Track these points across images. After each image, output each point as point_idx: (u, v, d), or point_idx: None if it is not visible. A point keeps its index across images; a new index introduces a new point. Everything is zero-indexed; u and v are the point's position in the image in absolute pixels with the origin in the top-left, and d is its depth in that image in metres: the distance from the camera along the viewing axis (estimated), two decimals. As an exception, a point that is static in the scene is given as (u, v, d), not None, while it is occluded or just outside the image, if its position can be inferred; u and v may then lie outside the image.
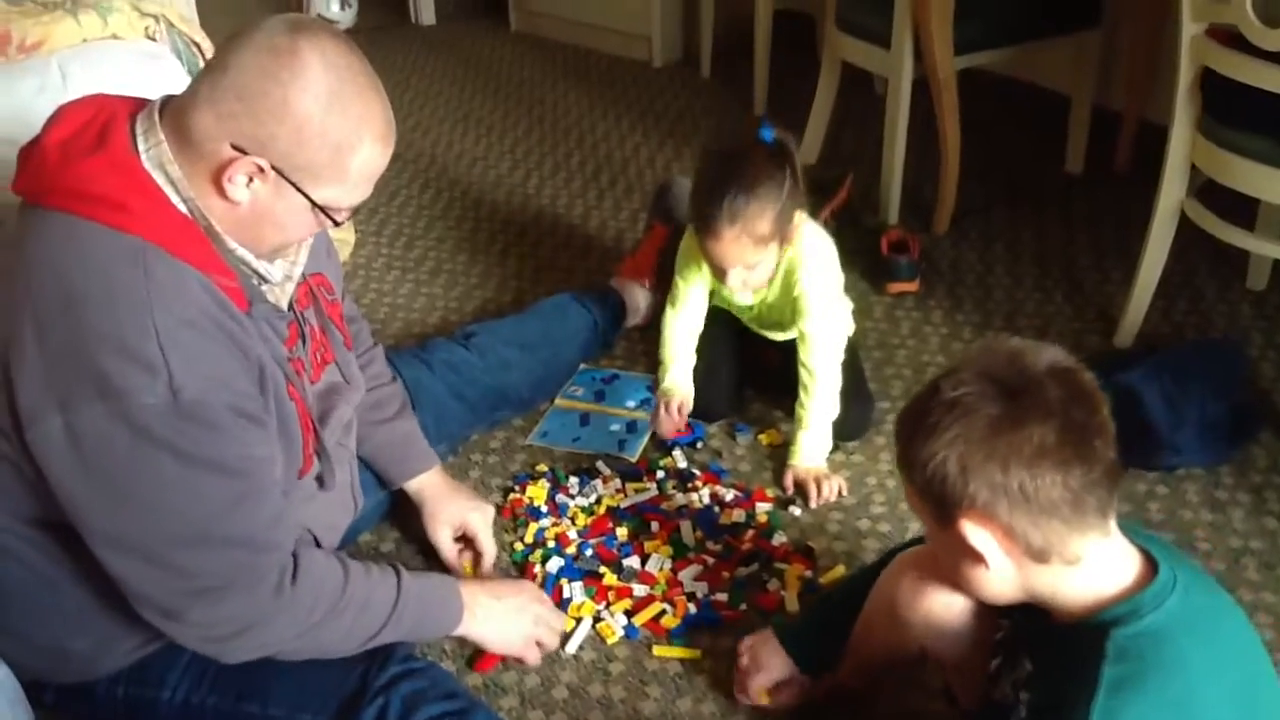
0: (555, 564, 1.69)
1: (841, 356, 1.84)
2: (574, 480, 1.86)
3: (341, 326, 1.47)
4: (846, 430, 1.88)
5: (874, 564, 1.39)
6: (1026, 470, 0.98)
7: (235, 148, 1.12)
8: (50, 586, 1.26)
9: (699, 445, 1.94)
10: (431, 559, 1.69)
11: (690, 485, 1.84)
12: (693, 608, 1.61)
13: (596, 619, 1.60)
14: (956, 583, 1.12)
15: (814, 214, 2.09)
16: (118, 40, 1.89)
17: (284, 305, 1.30)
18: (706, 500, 1.81)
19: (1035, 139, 2.99)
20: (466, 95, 3.61)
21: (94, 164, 1.13)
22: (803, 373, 1.83)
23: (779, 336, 1.95)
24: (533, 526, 1.76)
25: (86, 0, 1.91)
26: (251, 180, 1.15)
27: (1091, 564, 1.03)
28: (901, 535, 1.74)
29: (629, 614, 1.61)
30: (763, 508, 1.80)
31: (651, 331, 2.10)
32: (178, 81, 1.77)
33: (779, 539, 1.73)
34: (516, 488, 1.86)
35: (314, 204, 1.18)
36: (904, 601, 1.24)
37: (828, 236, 1.84)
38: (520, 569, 1.70)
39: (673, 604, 1.62)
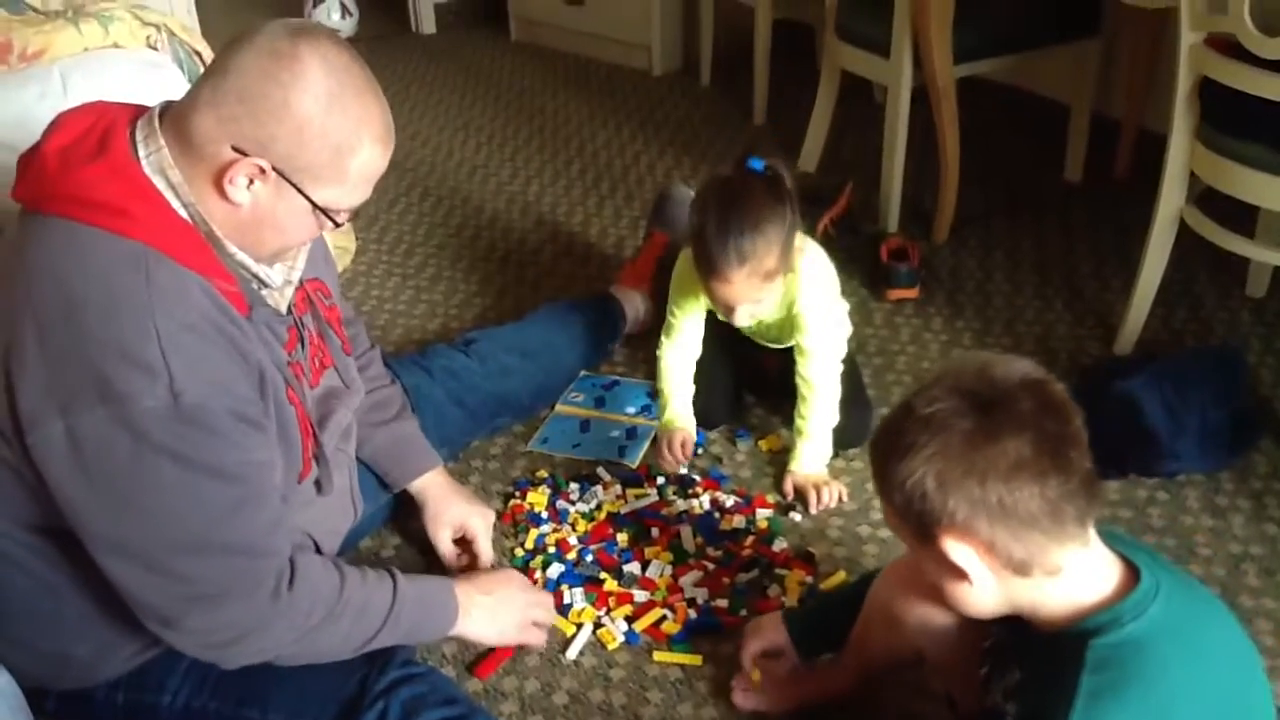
0: (556, 570, 1.69)
1: (840, 368, 1.84)
2: (574, 486, 1.86)
3: (340, 331, 1.47)
4: (846, 437, 1.88)
5: (880, 568, 1.40)
6: (1004, 484, 0.98)
7: (236, 150, 1.13)
8: (51, 593, 1.26)
9: (699, 451, 1.94)
10: (432, 566, 1.69)
11: (691, 491, 1.85)
12: (693, 613, 1.61)
13: (597, 625, 1.60)
14: (941, 597, 1.11)
15: (813, 222, 2.10)
16: (119, 49, 1.90)
17: (283, 309, 1.30)
18: (707, 506, 1.81)
19: (1035, 147, 3.00)
20: (467, 104, 3.62)
21: (94, 170, 1.14)
22: (801, 385, 1.82)
23: (777, 345, 1.95)
24: (533, 532, 1.76)
25: (88, 9, 1.92)
26: (252, 182, 1.15)
27: (1072, 574, 1.03)
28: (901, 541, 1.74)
29: (630, 620, 1.61)
30: (763, 513, 1.80)
31: (652, 338, 2.10)
32: (179, 90, 1.77)
33: (779, 545, 1.73)
34: (517, 493, 1.86)
35: (314, 205, 1.18)
36: (898, 605, 1.25)
37: (824, 253, 1.82)
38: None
39: (673, 610, 1.62)
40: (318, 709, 1.31)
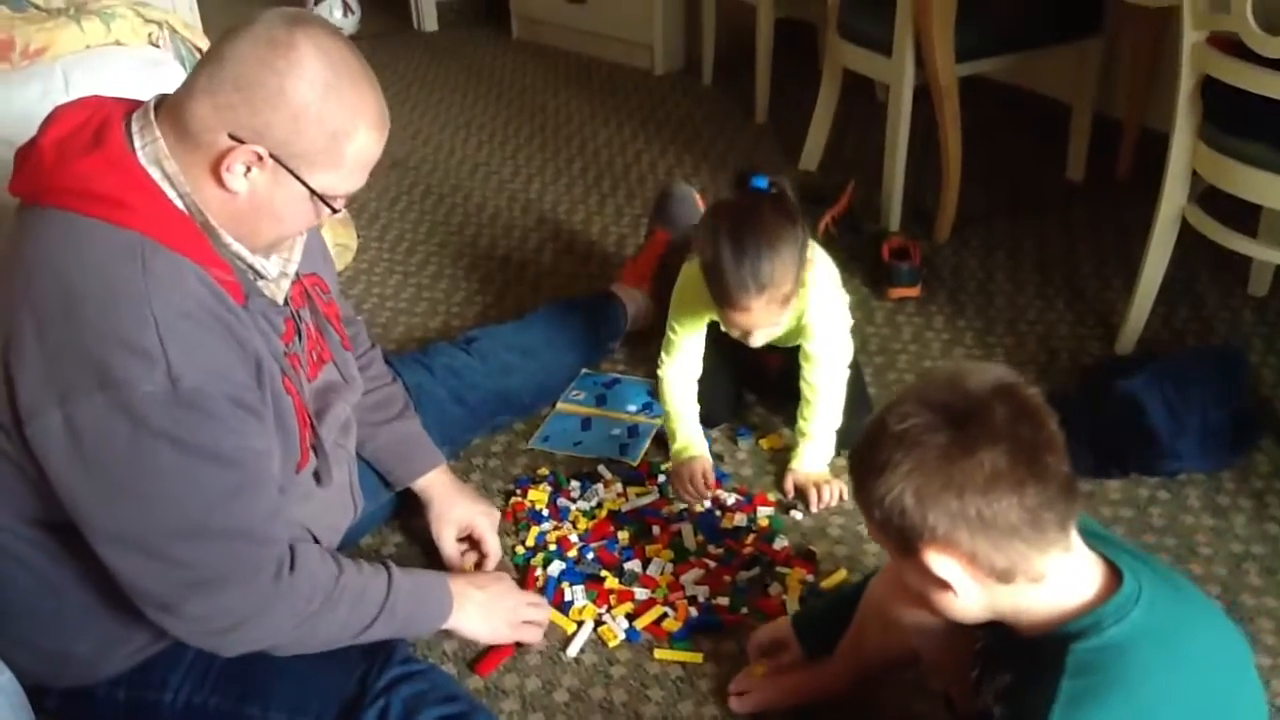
0: (557, 567, 1.69)
1: (846, 374, 1.83)
2: (575, 484, 1.86)
3: (338, 326, 1.47)
4: (847, 438, 1.88)
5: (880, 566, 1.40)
6: (982, 496, 0.97)
7: (233, 137, 1.14)
8: (53, 589, 1.26)
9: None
10: (433, 564, 1.68)
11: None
12: (694, 611, 1.61)
13: (598, 622, 1.60)
14: (926, 606, 1.11)
15: (815, 221, 2.09)
16: (121, 46, 1.90)
17: (280, 301, 1.30)
18: (708, 504, 1.81)
19: (1036, 146, 3.00)
20: (469, 102, 3.62)
21: (90, 162, 1.14)
22: (806, 389, 1.82)
23: (780, 345, 1.95)
24: (534, 530, 1.76)
25: (90, 7, 1.92)
26: (250, 170, 1.16)
27: (1055, 579, 1.03)
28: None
29: (630, 617, 1.61)
30: (764, 512, 1.80)
31: (653, 337, 2.10)
32: (181, 87, 1.78)
33: (780, 543, 1.73)
34: (518, 491, 1.86)
35: (312, 191, 1.19)
36: (892, 607, 1.25)
37: (829, 260, 1.80)
38: (522, 572, 1.70)
39: (674, 608, 1.62)
40: (319, 706, 1.31)
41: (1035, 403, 1.02)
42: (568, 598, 1.64)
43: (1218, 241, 1.97)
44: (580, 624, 1.60)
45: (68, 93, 1.76)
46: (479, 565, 1.67)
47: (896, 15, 2.44)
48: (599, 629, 1.59)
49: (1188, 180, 1.97)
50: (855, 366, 1.91)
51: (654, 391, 1.99)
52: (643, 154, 3.16)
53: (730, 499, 1.82)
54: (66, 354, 1.10)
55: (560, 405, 2.07)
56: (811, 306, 1.75)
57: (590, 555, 1.72)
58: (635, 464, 1.92)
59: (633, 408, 2.05)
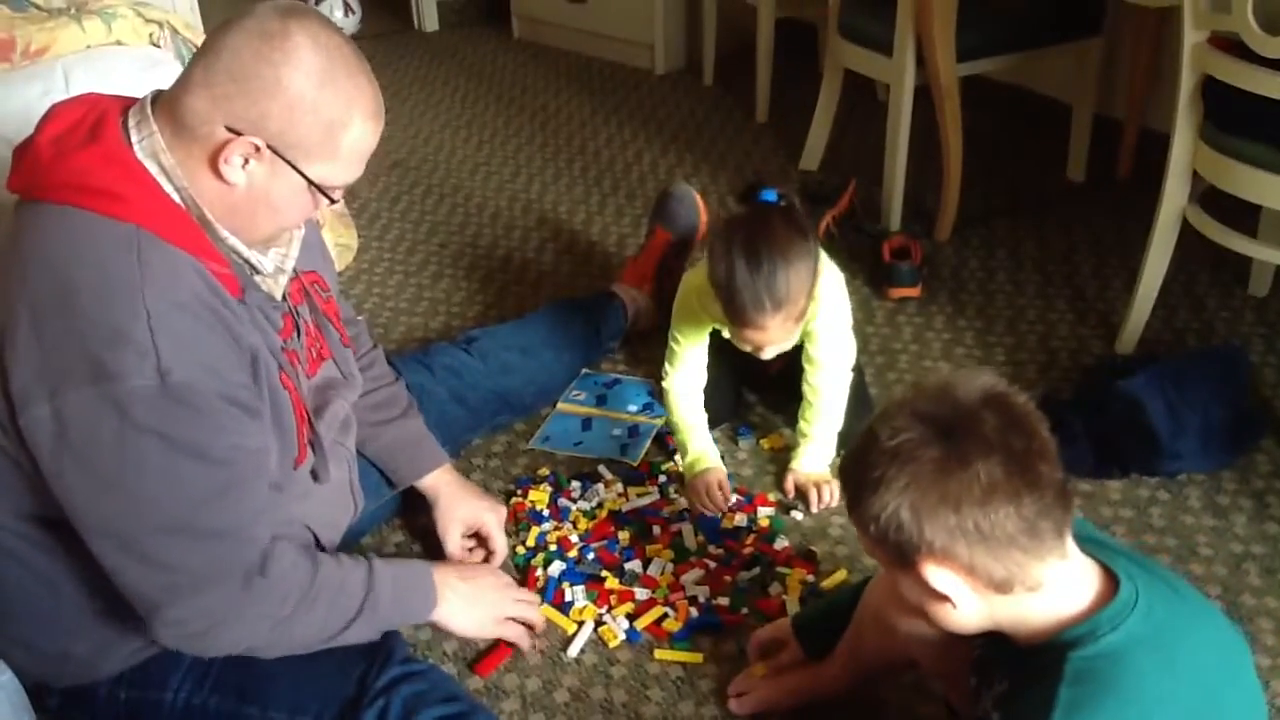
0: (557, 568, 1.69)
1: (850, 377, 1.83)
2: (576, 484, 1.86)
3: (337, 324, 1.47)
4: (848, 439, 1.88)
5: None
6: (979, 509, 0.97)
7: (230, 130, 1.14)
8: (51, 588, 1.26)
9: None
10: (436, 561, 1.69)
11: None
12: (694, 612, 1.61)
13: (598, 622, 1.60)
14: (923, 618, 1.10)
15: (816, 222, 2.09)
16: (122, 46, 1.90)
17: (277, 296, 1.30)
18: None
19: (1037, 146, 3.00)
20: (469, 101, 3.62)
21: (87, 156, 1.15)
22: (808, 391, 1.82)
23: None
24: (534, 530, 1.76)
25: (91, 7, 1.92)
26: (247, 162, 1.16)
27: (1052, 587, 1.03)
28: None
29: (631, 618, 1.61)
30: (765, 512, 1.80)
31: (654, 336, 2.11)
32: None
33: (781, 543, 1.73)
34: (518, 491, 1.86)
35: (309, 182, 1.19)
36: (889, 616, 1.24)
37: (834, 266, 1.78)
38: (522, 572, 1.70)
39: (674, 608, 1.62)
40: (319, 706, 1.31)
41: (1024, 410, 1.02)
42: (568, 598, 1.64)
43: (1218, 241, 1.97)
44: (580, 624, 1.60)
45: (68, 92, 1.76)
46: (486, 563, 1.66)
47: (897, 15, 2.44)
48: (599, 629, 1.60)
49: (1188, 180, 1.97)
50: (857, 368, 1.91)
51: (655, 392, 1.99)
52: (643, 153, 3.16)
53: (731, 499, 1.82)
54: (61, 346, 1.10)
55: (561, 405, 2.07)
56: (819, 316, 1.75)
57: (591, 555, 1.72)
58: (636, 464, 1.92)
59: (633, 408, 2.06)
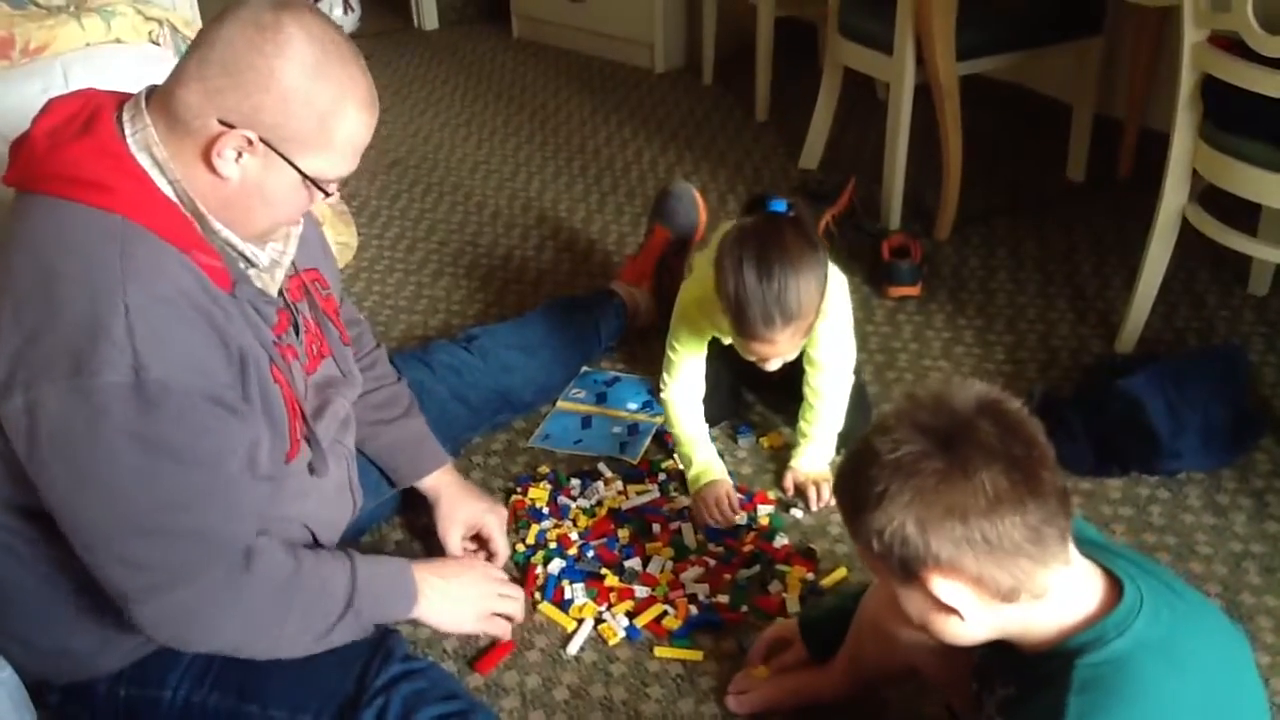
0: (557, 565, 1.69)
1: (851, 379, 1.83)
2: (576, 482, 1.86)
3: (337, 322, 1.47)
4: (848, 439, 1.88)
5: None
6: (986, 518, 0.96)
7: (223, 123, 1.14)
8: (48, 583, 1.25)
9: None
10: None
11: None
12: (694, 609, 1.61)
13: (598, 620, 1.60)
14: (926, 632, 1.09)
15: (816, 220, 2.08)
16: (121, 44, 1.90)
17: (273, 292, 1.30)
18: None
19: (1037, 146, 3.00)
20: (469, 100, 3.62)
21: (79, 148, 1.15)
22: (809, 393, 1.82)
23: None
24: (534, 528, 1.76)
25: (90, 4, 1.92)
26: (241, 155, 1.16)
27: (1057, 594, 1.02)
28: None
29: (630, 615, 1.61)
30: (764, 510, 1.80)
31: (654, 334, 2.10)
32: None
33: (780, 541, 1.73)
34: (518, 489, 1.86)
35: (303, 175, 1.19)
36: (888, 625, 1.23)
37: (838, 270, 1.75)
38: (522, 570, 1.70)
39: (674, 606, 1.62)
40: (318, 704, 1.31)
41: (1020, 416, 1.01)
42: (568, 595, 1.64)
43: (1218, 240, 1.97)
44: (580, 622, 1.60)
45: (68, 90, 1.74)
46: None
47: (897, 14, 2.44)
48: (599, 627, 1.60)
49: (1188, 179, 1.97)
50: (856, 369, 1.91)
51: (654, 391, 1.99)
52: (643, 152, 3.16)
53: (739, 515, 1.80)
54: (40, 335, 1.09)
55: (560, 403, 2.07)
56: (824, 320, 1.74)
57: (590, 553, 1.72)
58: (635, 462, 1.92)
59: (633, 406, 2.06)
